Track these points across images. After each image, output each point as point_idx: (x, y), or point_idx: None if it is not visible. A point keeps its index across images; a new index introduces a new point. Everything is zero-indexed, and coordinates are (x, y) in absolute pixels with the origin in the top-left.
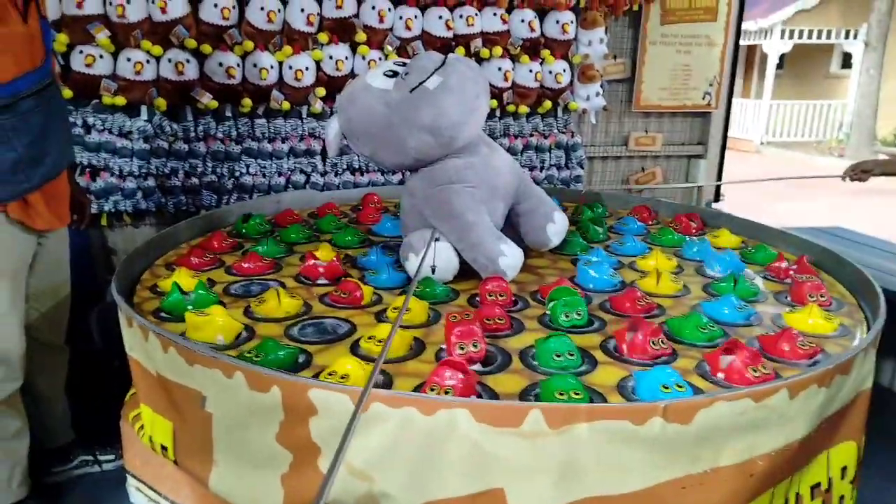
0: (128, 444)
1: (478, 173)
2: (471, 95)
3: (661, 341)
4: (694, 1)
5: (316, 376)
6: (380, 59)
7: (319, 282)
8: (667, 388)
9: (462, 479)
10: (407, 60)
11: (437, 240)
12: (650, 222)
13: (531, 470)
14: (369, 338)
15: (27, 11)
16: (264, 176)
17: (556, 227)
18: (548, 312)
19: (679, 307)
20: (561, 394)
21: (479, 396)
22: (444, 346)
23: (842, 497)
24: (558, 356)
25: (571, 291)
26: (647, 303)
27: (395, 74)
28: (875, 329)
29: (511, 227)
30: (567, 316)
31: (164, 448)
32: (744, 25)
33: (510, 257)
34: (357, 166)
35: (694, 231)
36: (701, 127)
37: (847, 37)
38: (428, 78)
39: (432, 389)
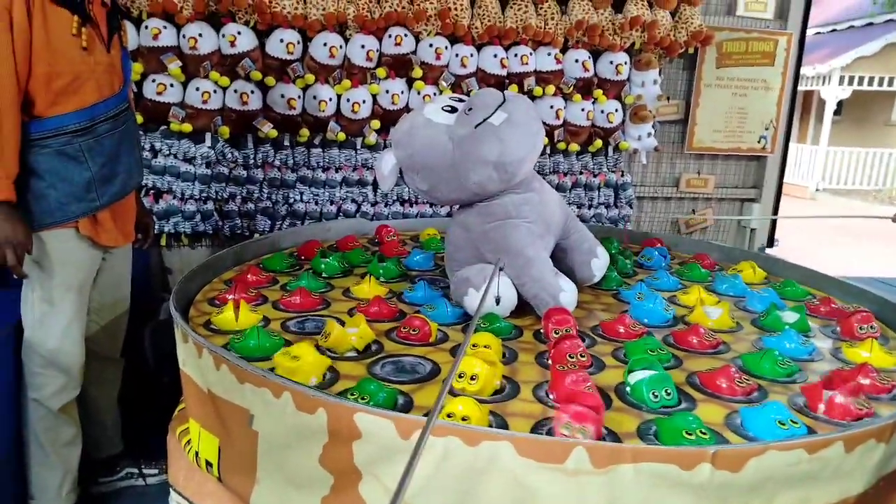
0: (173, 459)
1: (534, 209)
2: (533, 132)
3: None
4: (751, 45)
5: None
6: (434, 94)
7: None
8: (783, 423)
9: None
10: (462, 96)
11: (501, 269)
12: (713, 268)
13: None
14: (460, 376)
15: (111, 42)
16: (317, 203)
17: (600, 262)
18: (623, 352)
19: (739, 342)
20: (688, 433)
21: (603, 439)
22: (541, 385)
23: None
24: (656, 396)
25: (652, 343)
26: (713, 339)
27: (453, 110)
28: None
29: (556, 262)
30: (655, 396)
31: (209, 464)
32: (802, 70)
33: (569, 293)
34: (407, 198)
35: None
36: (756, 171)
37: None
38: (492, 114)
39: (566, 429)
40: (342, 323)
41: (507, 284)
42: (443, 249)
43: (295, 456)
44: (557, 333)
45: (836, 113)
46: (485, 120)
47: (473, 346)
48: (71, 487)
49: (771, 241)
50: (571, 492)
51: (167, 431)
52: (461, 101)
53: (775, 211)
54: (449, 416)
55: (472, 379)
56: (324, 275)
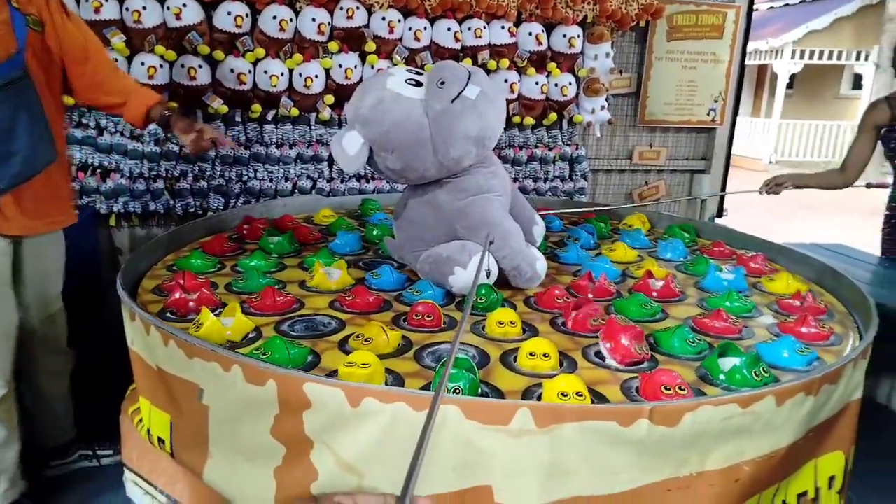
0: (126, 439)
1: (500, 181)
2: (502, 105)
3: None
4: (701, 18)
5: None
6: (388, 67)
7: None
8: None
9: (451, 476)
10: (418, 70)
11: (491, 243)
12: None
13: (518, 468)
14: (531, 354)
15: None
16: (271, 181)
17: (539, 228)
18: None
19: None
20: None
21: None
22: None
23: None
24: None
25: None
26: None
27: (418, 84)
28: (865, 341)
29: None
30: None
31: (160, 441)
32: (755, 45)
33: (542, 260)
34: (363, 173)
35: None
36: (706, 143)
37: (858, 58)
38: (465, 88)
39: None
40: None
41: (490, 258)
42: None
43: (246, 428)
44: (560, 301)
45: (789, 87)
46: (459, 94)
47: (499, 322)
48: (8, 486)
49: (720, 212)
50: (517, 452)
51: (120, 412)
52: (419, 74)
53: (724, 182)
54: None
55: (543, 355)
56: (273, 255)
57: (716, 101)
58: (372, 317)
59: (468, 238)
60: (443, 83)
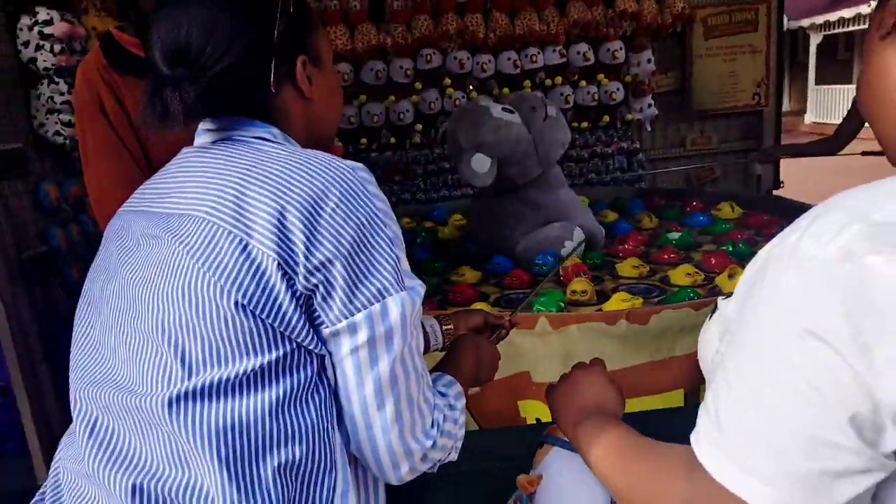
0: None
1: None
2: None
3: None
4: (734, 16)
5: None
6: (462, 97)
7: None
8: None
9: (503, 365)
10: (496, 103)
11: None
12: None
13: (544, 357)
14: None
15: None
16: None
17: None
18: None
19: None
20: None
21: None
22: None
23: None
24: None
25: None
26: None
27: (509, 111)
28: None
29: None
30: None
31: None
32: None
33: None
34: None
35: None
36: (755, 124)
37: None
38: (547, 109)
39: None
40: None
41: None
42: None
43: None
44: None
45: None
46: (546, 115)
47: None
48: None
49: (777, 184)
50: (542, 347)
51: None
52: (505, 106)
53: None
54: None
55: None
56: None
57: (759, 87)
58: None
59: (558, 219)
60: (533, 108)
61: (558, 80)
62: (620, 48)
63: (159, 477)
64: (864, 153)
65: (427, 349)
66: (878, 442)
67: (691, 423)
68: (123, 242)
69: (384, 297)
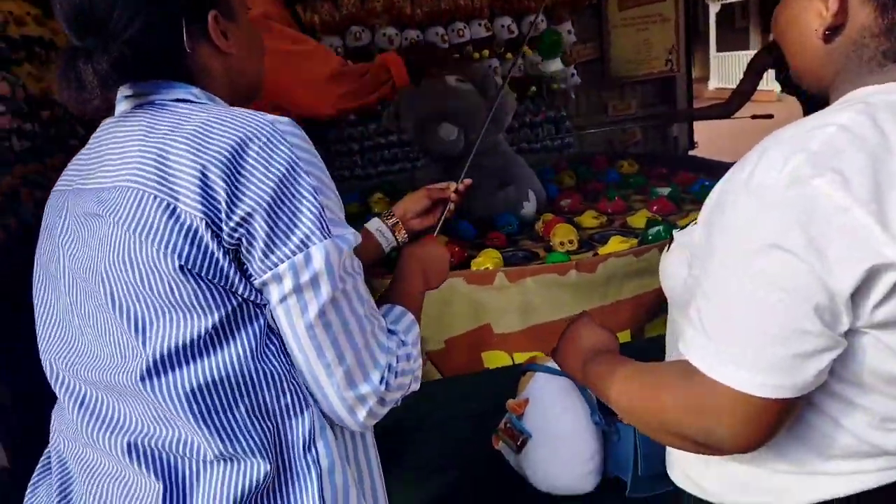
0: None
1: None
2: None
3: None
4: None
5: None
6: None
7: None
8: None
9: (465, 321)
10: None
11: None
12: None
13: (503, 309)
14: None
15: None
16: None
17: None
18: None
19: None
20: None
21: None
22: None
23: None
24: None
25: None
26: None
27: (464, 82)
28: None
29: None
30: None
31: None
32: None
33: None
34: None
35: None
36: (669, 88)
37: None
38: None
39: None
40: None
41: None
42: None
43: None
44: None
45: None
46: (497, 84)
47: None
48: None
49: (691, 144)
50: (501, 299)
51: None
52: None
53: (689, 121)
54: None
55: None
56: None
57: (670, 54)
58: None
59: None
60: (486, 77)
61: (486, 53)
62: (542, 20)
63: (150, 434)
64: (753, 116)
65: (382, 253)
66: (835, 325)
67: (640, 355)
68: (65, 223)
69: (307, 247)
